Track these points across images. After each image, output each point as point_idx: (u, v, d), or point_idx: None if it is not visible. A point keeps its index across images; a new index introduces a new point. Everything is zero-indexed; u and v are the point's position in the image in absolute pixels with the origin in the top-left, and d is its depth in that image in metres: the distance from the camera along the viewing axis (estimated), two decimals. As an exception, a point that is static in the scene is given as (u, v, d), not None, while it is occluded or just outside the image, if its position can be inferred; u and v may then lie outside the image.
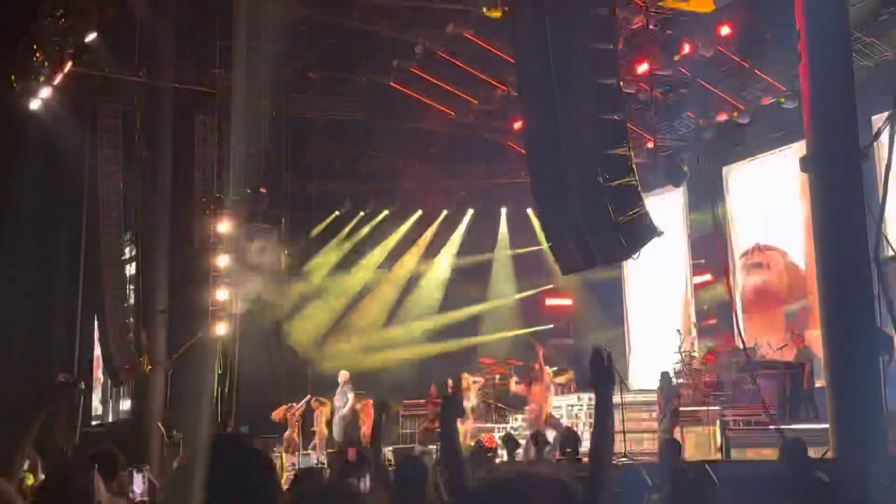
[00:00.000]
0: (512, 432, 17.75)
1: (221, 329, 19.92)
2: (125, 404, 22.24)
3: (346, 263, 24.25)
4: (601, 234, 14.15)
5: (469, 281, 24.73)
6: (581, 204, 14.01)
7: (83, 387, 17.75)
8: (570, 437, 16.86)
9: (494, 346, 23.21)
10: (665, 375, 17.21)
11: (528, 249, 23.73)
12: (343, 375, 19.25)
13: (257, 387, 20.01)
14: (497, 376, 20.96)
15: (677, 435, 16.33)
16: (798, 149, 16.50)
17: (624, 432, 17.10)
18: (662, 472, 10.31)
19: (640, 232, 14.17)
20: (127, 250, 20.49)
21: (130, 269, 21.02)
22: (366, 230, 24.44)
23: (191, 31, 18.61)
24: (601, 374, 3.63)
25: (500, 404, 20.60)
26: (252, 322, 20.64)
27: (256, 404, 19.84)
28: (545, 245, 16.11)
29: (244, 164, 18.31)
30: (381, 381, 21.66)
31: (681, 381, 18.48)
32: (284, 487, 8.01)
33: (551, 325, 24.09)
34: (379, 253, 24.59)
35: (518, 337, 23.58)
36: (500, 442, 17.65)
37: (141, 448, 17.86)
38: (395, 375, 21.97)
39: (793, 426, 14.84)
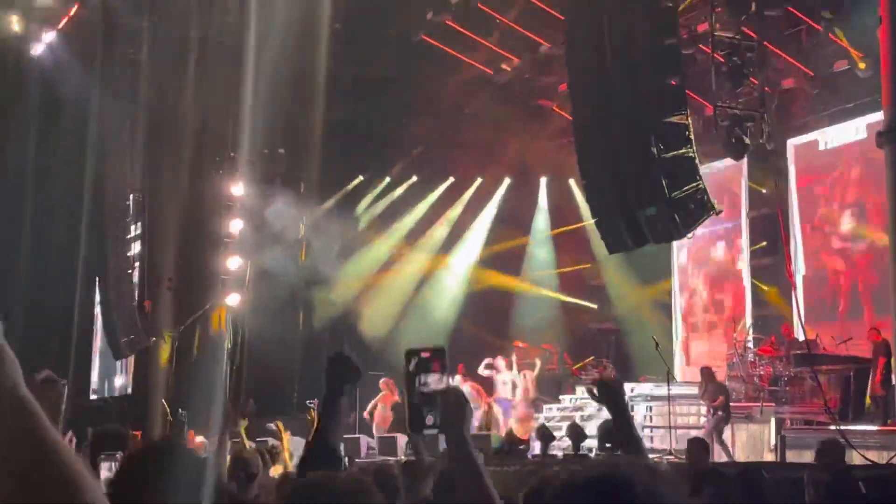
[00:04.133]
0: (546, 423, 17.72)
1: (233, 299, 20.01)
2: (126, 378, 22.43)
3: (370, 233, 24.39)
4: (653, 211, 14.17)
5: (504, 255, 24.77)
6: (632, 176, 14.02)
7: (66, 384, 18.06)
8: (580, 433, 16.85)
9: (529, 329, 23.26)
10: (705, 372, 17.16)
11: (569, 227, 23.79)
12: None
13: (270, 362, 20.13)
14: (531, 361, 20.87)
15: (727, 434, 16.39)
16: (873, 121, 16.39)
17: (670, 427, 17.15)
18: (689, 473, 10.32)
19: (696, 209, 14.20)
20: (132, 210, 20.56)
21: (136, 231, 21.09)
22: (392, 197, 24.54)
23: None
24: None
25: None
26: (266, 292, 20.69)
27: (268, 381, 20.03)
28: (590, 221, 16.04)
29: (261, 121, 18.36)
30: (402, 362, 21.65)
31: (732, 373, 18.51)
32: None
33: (595, 306, 24.10)
34: (406, 222, 24.70)
35: (556, 319, 23.65)
36: (533, 434, 17.67)
37: (141, 426, 17.97)
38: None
39: (856, 427, 14.85)
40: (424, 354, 2.84)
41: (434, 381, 2.82)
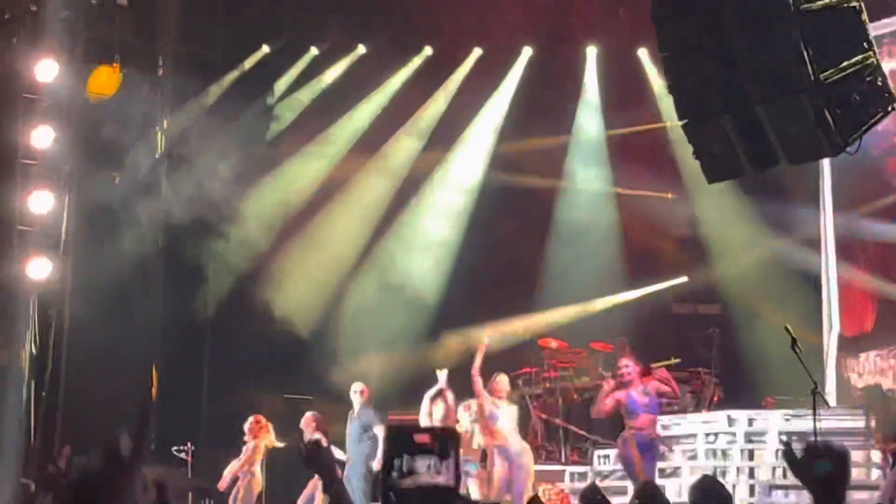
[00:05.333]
0: (598, 483, 17.28)
1: (39, 268, 19.46)
2: None
3: (288, 143, 24.61)
4: (786, 107, 13.52)
5: (521, 183, 24.73)
6: (750, 45, 13.43)
7: None
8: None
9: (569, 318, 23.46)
10: (874, 394, 18.21)
11: (636, 129, 23.89)
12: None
13: (107, 381, 19.91)
14: (571, 373, 20.98)
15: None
16: None
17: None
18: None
19: (865, 101, 13.57)
20: None
21: None
22: (325, 81, 24.66)
23: None
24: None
25: (573, 427, 20.77)
26: (100, 255, 20.50)
27: (103, 413, 19.19)
28: (675, 122, 15.44)
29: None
30: (347, 364, 22.07)
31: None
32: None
33: (684, 278, 24.26)
34: (352, 124, 24.95)
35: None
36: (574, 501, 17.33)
37: None
38: (377, 359, 22.31)
39: None
40: (420, 439, 3.65)
41: (426, 470, 3.57)
